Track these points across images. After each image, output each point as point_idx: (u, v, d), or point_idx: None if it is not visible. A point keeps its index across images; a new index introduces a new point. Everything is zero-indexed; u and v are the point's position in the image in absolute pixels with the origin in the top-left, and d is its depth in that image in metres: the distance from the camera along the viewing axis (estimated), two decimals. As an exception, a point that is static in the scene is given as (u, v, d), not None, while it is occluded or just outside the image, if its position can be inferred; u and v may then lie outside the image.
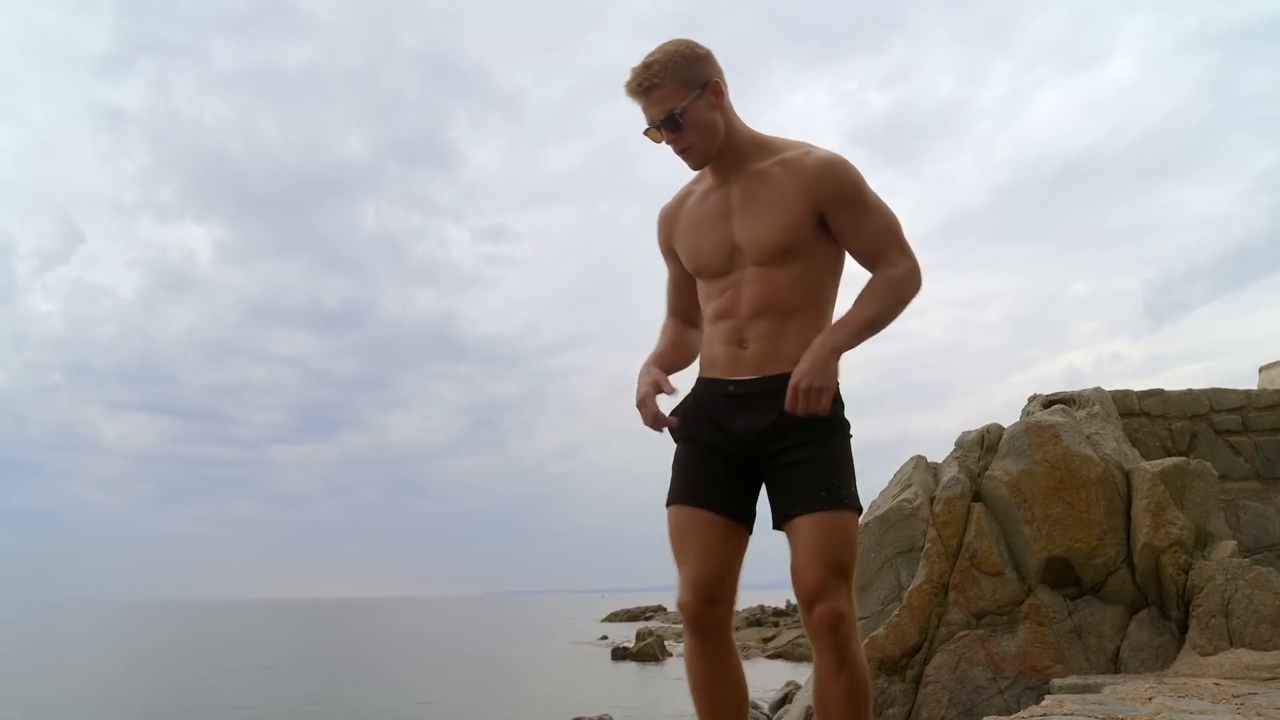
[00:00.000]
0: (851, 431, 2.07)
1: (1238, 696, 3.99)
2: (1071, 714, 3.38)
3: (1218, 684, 4.47)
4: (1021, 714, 3.89)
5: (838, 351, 1.96)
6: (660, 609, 45.81)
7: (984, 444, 5.93)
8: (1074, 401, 6.54)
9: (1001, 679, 5.06)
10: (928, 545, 5.45)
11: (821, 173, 2.01)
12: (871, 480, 6.47)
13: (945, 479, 5.73)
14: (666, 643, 25.47)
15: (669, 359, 2.22)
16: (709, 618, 2.06)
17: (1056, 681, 4.79)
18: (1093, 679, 4.78)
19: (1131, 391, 7.51)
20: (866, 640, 5.23)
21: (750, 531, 2.12)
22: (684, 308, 2.26)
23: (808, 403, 1.92)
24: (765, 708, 15.47)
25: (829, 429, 2.00)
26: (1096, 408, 6.33)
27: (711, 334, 2.13)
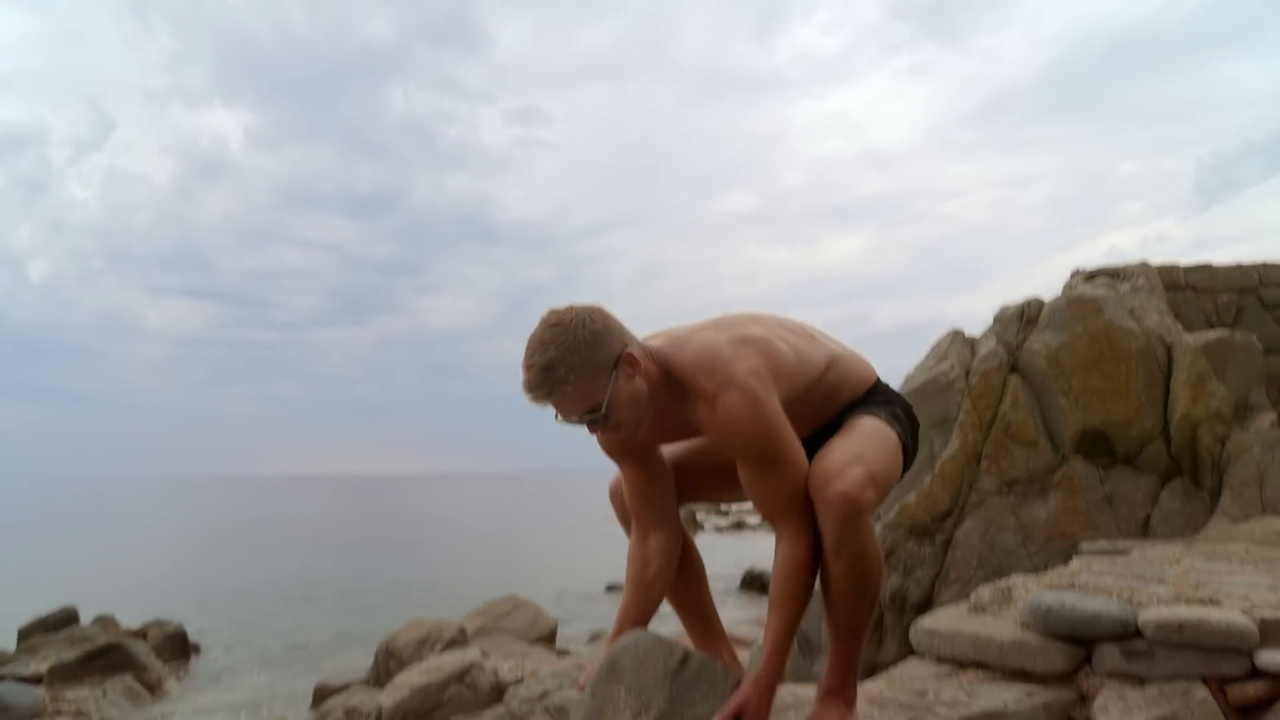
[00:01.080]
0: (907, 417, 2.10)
1: (1267, 560, 4.03)
2: (1100, 573, 3.44)
3: (1247, 549, 4.52)
4: (1050, 573, 3.97)
5: (772, 690, 1.88)
6: (692, 487, 46.90)
7: (1023, 317, 5.87)
8: (1119, 275, 6.42)
9: (1031, 544, 5.15)
10: (962, 416, 5.47)
11: (729, 433, 1.84)
12: (908, 359, 6.45)
13: (982, 351, 5.70)
14: (699, 516, 26.17)
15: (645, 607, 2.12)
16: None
17: (1085, 545, 4.87)
18: (1121, 544, 4.86)
19: (1178, 265, 7.34)
20: (897, 506, 5.34)
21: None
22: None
23: None
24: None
25: (875, 404, 2.07)
26: (1141, 281, 6.22)
27: None
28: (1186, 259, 7.50)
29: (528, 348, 1.76)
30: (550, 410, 1.79)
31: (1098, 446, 5.50)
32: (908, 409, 2.13)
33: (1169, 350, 5.70)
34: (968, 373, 5.75)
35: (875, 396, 2.14)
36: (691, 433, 2.01)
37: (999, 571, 4.84)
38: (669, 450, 2.13)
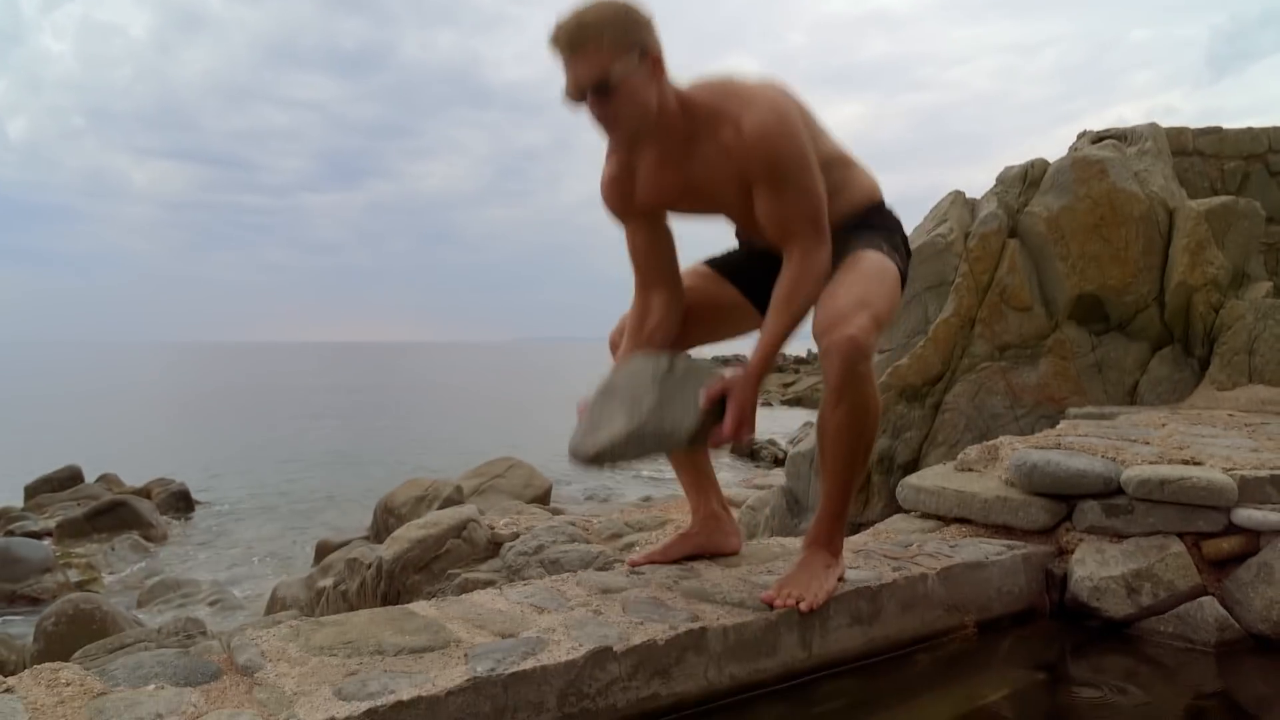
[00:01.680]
0: (906, 249, 2.16)
1: (1250, 425, 4.08)
2: (1085, 435, 3.48)
3: (1231, 414, 4.57)
4: (1036, 436, 4.02)
5: (759, 381, 1.89)
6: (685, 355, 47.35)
7: (1026, 179, 5.74)
8: (1126, 138, 6.24)
9: (1019, 407, 5.21)
10: (958, 280, 5.43)
11: (750, 148, 1.83)
12: (907, 229, 6.36)
13: (982, 214, 5.61)
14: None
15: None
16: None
17: (1072, 410, 4.92)
18: (1108, 409, 4.91)
19: (1187, 129, 7.15)
20: (890, 369, 5.36)
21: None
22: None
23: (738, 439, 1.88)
24: (782, 444, 16.29)
25: (872, 228, 2.11)
26: (1149, 144, 6.05)
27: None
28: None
29: (571, 8, 1.79)
30: (560, 83, 1.81)
31: (1092, 312, 5.49)
32: (905, 239, 2.17)
33: (1171, 215, 5.61)
34: (966, 235, 5.67)
35: (877, 219, 2.13)
36: (694, 193, 1.99)
37: (986, 434, 4.90)
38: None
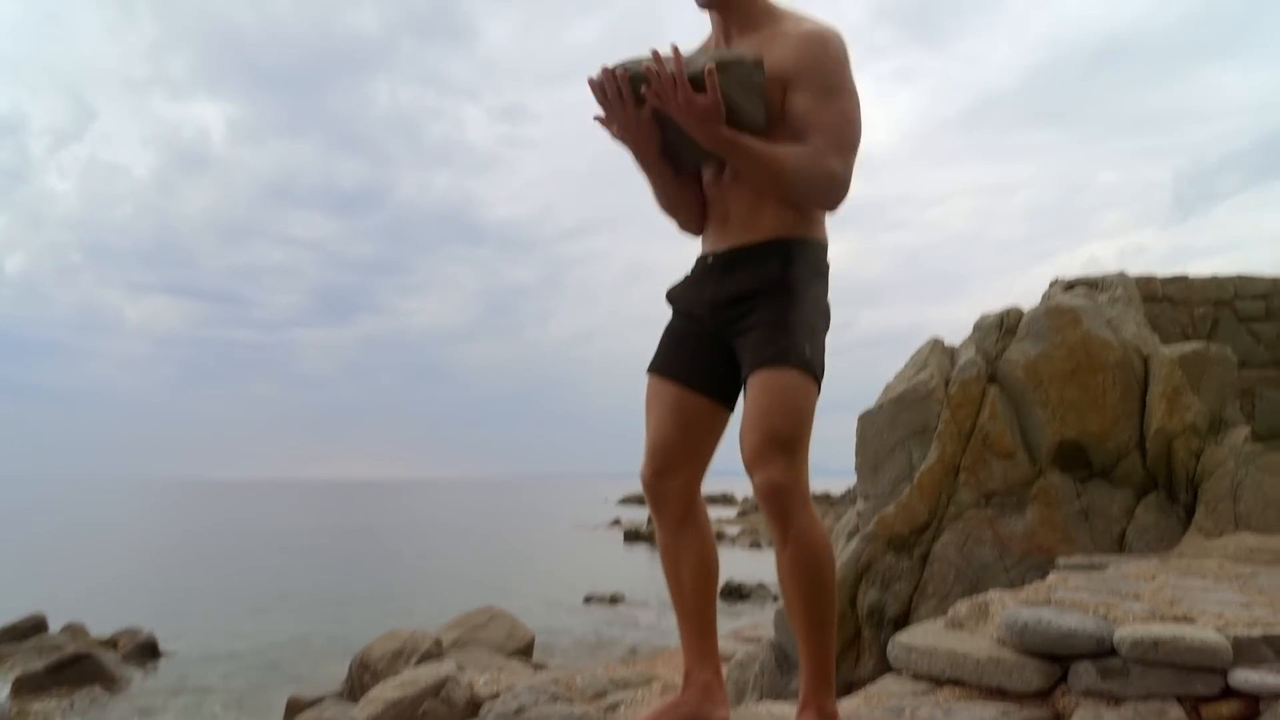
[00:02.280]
0: (825, 308, 1.98)
1: (1240, 576, 4.04)
2: (1076, 588, 3.43)
3: (1221, 564, 4.53)
4: (1026, 589, 3.95)
5: (732, 142, 1.82)
6: (672, 494, 46.86)
7: (1003, 326, 5.88)
8: (1097, 285, 6.45)
9: (1008, 557, 5.15)
10: (941, 426, 5.47)
11: (797, 47, 1.87)
12: (889, 367, 6.45)
13: (961, 361, 5.71)
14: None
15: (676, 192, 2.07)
16: (661, 490, 2.07)
17: (1062, 560, 4.87)
18: (1098, 558, 4.86)
19: (1155, 277, 7.40)
20: (876, 518, 5.32)
21: (729, 409, 2.10)
22: None
23: (666, 87, 1.76)
24: (772, 589, 15.92)
25: (786, 294, 1.91)
26: (1119, 291, 6.25)
27: (707, 207, 2.07)
28: (1164, 270, 7.56)
29: None
30: None
31: (1074, 459, 5.51)
32: (827, 310, 2.01)
33: (1146, 362, 5.73)
34: (947, 382, 5.75)
35: (808, 268, 1.96)
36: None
37: (976, 585, 4.83)
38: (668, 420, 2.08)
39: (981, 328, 5.95)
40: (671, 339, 2.13)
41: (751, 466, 1.83)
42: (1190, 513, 5.45)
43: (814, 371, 1.89)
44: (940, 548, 5.24)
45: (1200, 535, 5.32)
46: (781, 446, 1.82)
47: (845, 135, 1.86)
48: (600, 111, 1.89)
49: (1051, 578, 4.03)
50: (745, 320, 1.94)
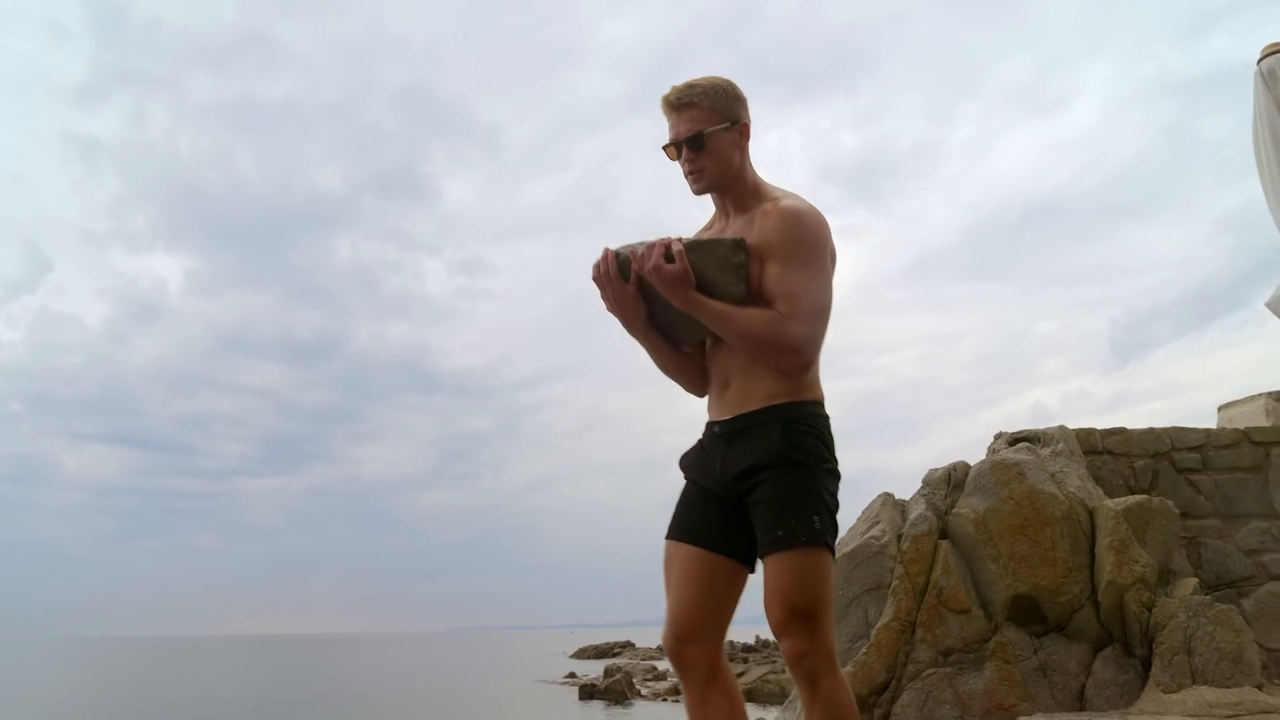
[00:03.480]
0: (829, 467, 2.10)
1: (1199, 734, 4.01)
2: (1037, 754, 3.38)
3: (1181, 722, 4.50)
4: (988, 754, 3.88)
5: (695, 301, 2.03)
6: (629, 644, 45.37)
7: (950, 481, 5.98)
8: (1038, 439, 6.61)
9: (969, 717, 5.05)
10: (895, 583, 5.46)
11: (774, 222, 2.06)
12: (843, 515, 6.49)
13: (912, 516, 5.76)
14: (635, 680, 25.18)
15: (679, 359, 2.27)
16: (686, 655, 2.13)
17: (1022, 719, 4.80)
18: (1059, 717, 4.80)
19: (1095, 430, 7.60)
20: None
21: (749, 568, 2.18)
22: None
23: (645, 264, 2.04)
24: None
25: (788, 466, 2.03)
26: (1060, 445, 6.41)
27: (709, 375, 2.23)
28: (1108, 415, 7.80)
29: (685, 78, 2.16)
30: (665, 131, 2.15)
31: (1029, 613, 5.51)
32: (834, 467, 2.13)
33: (1091, 515, 5.83)
34: (899, 537, 5.78)
35: (799, 433, 2.07)
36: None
37: (938, 749, 4.71)
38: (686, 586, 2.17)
39: (930, 482, 6.04)
40: (686, 504, 2.23)
41: (778, 635, 2.00)
42: (1147, 666, 5.43)
43: (825, 542, 2.03)
44: (900, 708, 5.13)
45: (1158, 690, 5.29)
46: (804, 617, 1.97)
47: (809, 303, 2.01)
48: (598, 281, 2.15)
49: (1013, 742, 3.96)
50: (754, 494, 2.07)
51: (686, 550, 2.17)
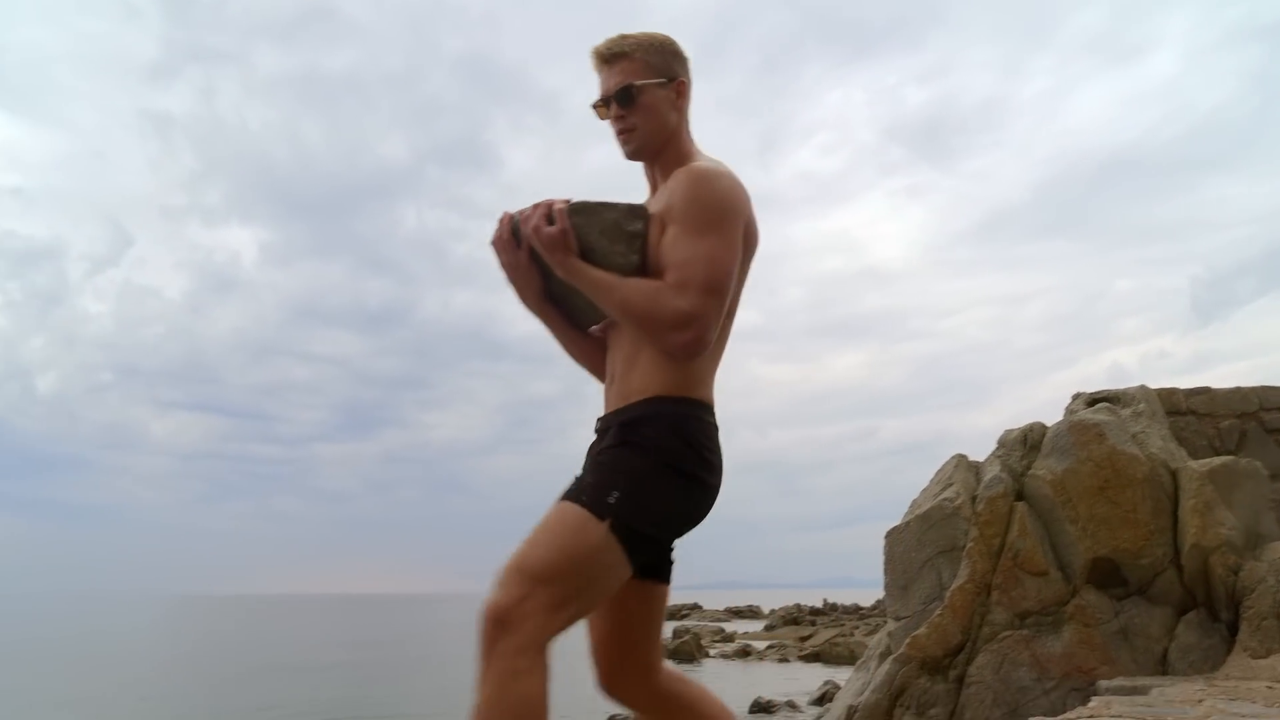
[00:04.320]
0: (677, 465, 1.70)
1: (1290, 699, 3.93)
2: (1119, 716, 3.35)
3: (1270, 686, 4.40)
4: (1069, 715, 3.86)
5: (573, 268, 1.78)
6: (696, 607, 45.81)
7: (1026, 442, 5.88)
8: (1118, 400, 6.45)
9: (1047, 680, 5.01)
10: (970, 545, 5.42)
11: (677, 184, 1.78)
12: (913, 476, 6.43)
13: (987, 478, 5.69)
14: (703, 641, 25.47)
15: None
16: (620, 695, 1.89)
17: (1103, 683, 4.74)
18: (1140, 681, 4.73)
19: (1178, 389, 7.38)
20: (908, 639, 5.22)
21: (655, 579, 1.85)
22: None
23: (527, 225, 1.79)
24: (802, 706, 15.46)
25: (619, 445, 1.72)
26: (1142, 406, 6.24)
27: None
28: (1188, 376, 7.55)
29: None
30: (596, 84, 1.87)
31: (1109, 576, 5.42)
32: (687, 469, 1.72)
33: (1174, 476, 5.68)
34: (974, 499, 5.72)
35: (657, 425, 1.73)
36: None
37: (1016, 711, 4.70)
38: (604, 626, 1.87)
39: (1005, 444, 5.95)
40: None
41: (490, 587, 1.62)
42: (1233, 630, 5.31)
43: (606, 516, 1.63)
44: (976, 670, 5.11)
45: (1246, 655, 5.17)
46: (523, 574, 1.59)
47: (701, 274, 1.69)
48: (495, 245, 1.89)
49: (1094, 703, 3.93)
50: None
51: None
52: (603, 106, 1.89)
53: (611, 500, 1.66)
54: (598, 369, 1.96)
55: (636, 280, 1.75)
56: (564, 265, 1.79)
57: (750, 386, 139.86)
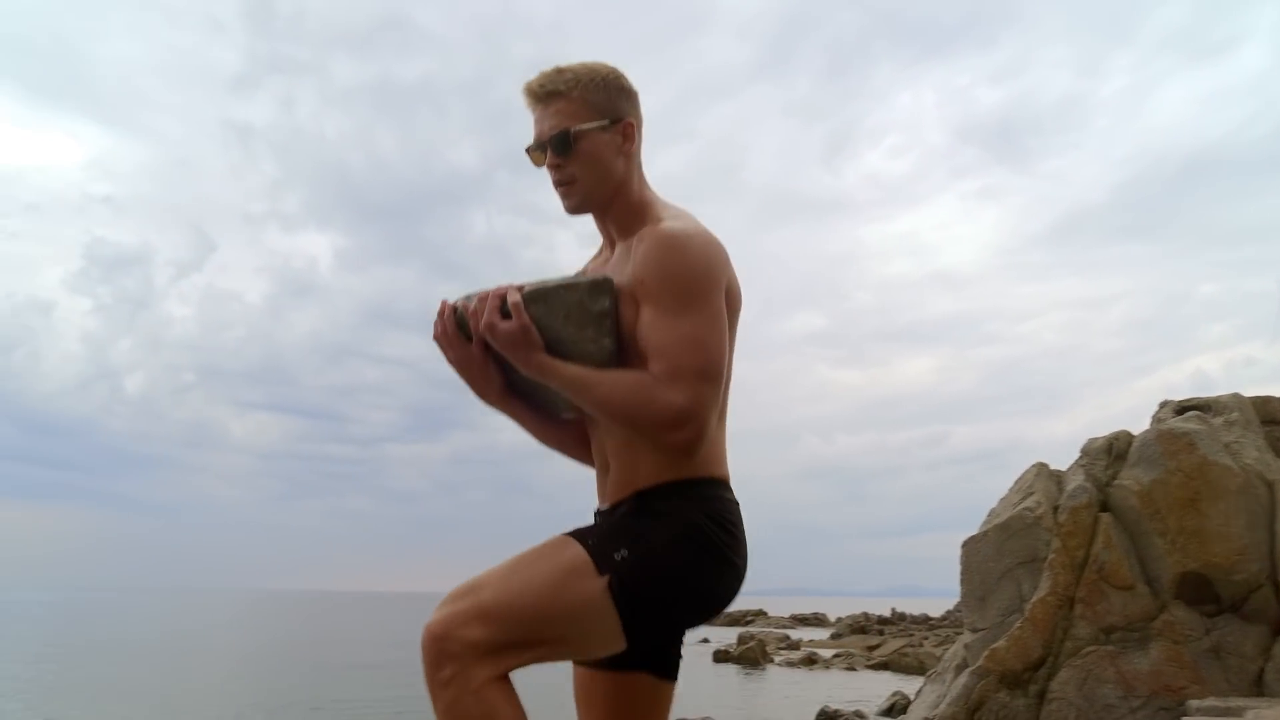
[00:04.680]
0: (700, 539, 1.51)
1: (1401, 727, 3.73)
2: (1215, 738, 3.21)
3: (1377, 712, 4.18)
4: (1158, 735, 3.72)
5: (541, 366, 1.53)
6: (761, 613, 45.49)
7: (1112, 452, 5.69)
8: (1210, 408, 6.19)
9: (1133, 698, 4.84)
10: (1052, 556, 5.26)
11: (646, 251, 1.53)
12: (985, 485, 6.29)
13: (1070, 487, 5.52)
14: (768, 648, 25.27)
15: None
16: None
17: (1194, 703, 4.56)
18: (1234, 702, 4.53)
19: (1274, 398, 7.05)
20: (986, 652, 5.09)
21: (664, 676, 1.66)
22: None
23: (480, 320, 1.53)
24: (870, 716, 15.23)
25: (639, 513, 1.55)
26: (1235, 415, 5.99)
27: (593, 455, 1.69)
28: (1278, 385, 7.20)
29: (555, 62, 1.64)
30: (529, 129, 1.61)
31: (1200, 592, 5.21)
32: (713, 543, 1.52)
33: (1270, 489, 5.44)
34: (1055, 509, 5.56)
35: (670, 498, 1.54)
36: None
37: (1100, 728, 4.55)
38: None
39: (1089, 453, 5.77)
40: None
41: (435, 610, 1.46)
42: (1334, 653, 5.06)
43: (603, 568, 1.45)
44: (1058, 685, 4.96)
45: (1348, 679, 4.92)
46: (476, 597, 1.42)
47: (691, 360, 1.47)
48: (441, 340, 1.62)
49: (1185, 725, 3.78)
50: None
51: (579, 675, 1.67)
52: (538, 153, 1.62)
53: (618, 557, 1.45)
54: (582, 455, 1.73)
55: (617, 374, 1.51)
56: (530, 364, 1.53)
57: (817, 391, 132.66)
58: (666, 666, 1.64)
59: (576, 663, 1.66)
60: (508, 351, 1.53)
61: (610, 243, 1.68)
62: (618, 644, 1.47)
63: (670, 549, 1.48)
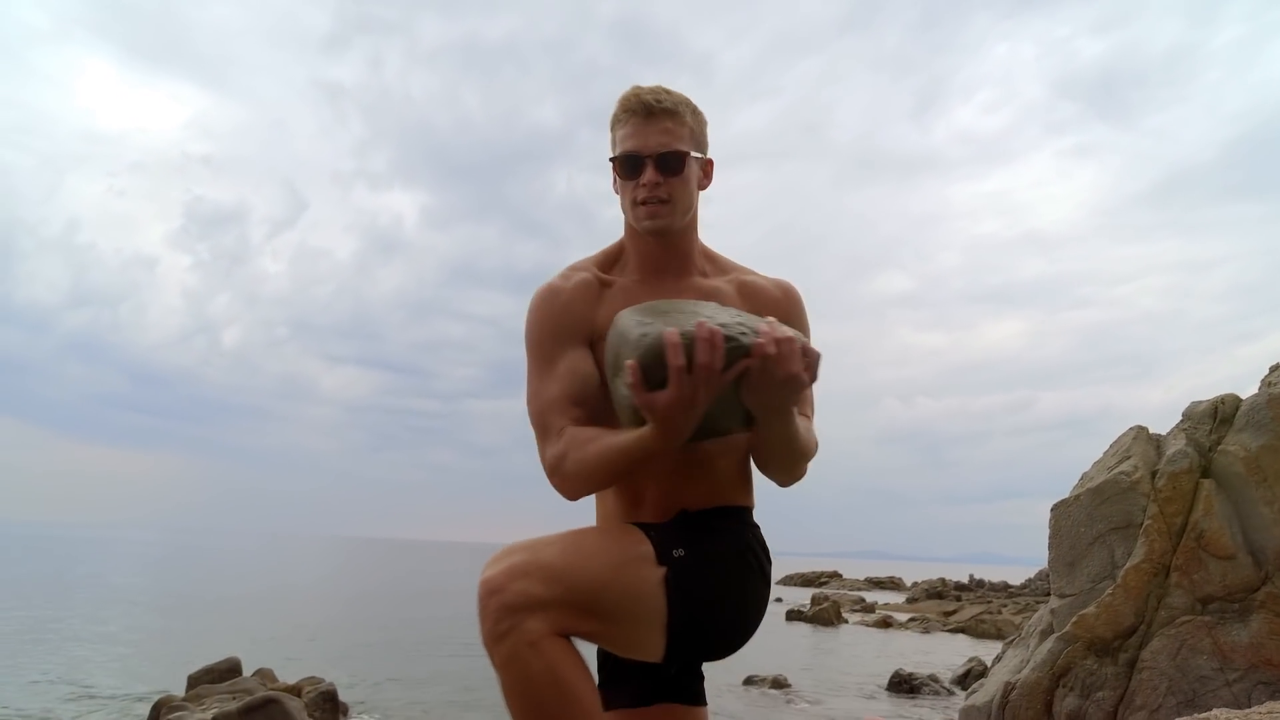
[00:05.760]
0: (730, 541, 1.56)
1: None
2: (1322, 714, 3.05)
3: None
4: (1257, 709, 3.57)
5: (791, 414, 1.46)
6: (836, 575, 45.32)
7: (1217, 416, 5.41)
8: (1326, 373, 5.84)
9: (1230, 670, 4.64)
10: (1148, 522, 5.05)
11: (791, 310, 1.60)
12: (1070, 454, 6.07)
13: (1170, 452, 5.28)
14: (842, 610, 25.18)
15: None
16: None
17: (1297, 678, 4.35)
18: (1342, 679, 4.31)
19: (1398, 364, 6.62)
20: (1075, 618, 4.94)
21: (692, 702, 1.65)
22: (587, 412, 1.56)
23: (785, 365, 1.36)
24: (945, 681, 15.09)
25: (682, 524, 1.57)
26: (1355, 380, 5.63)
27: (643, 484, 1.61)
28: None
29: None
30: (637, 140, 1.58)
31: (1308, 564, 4.95)
32: (757, 555, 1.56)
33: (1392, 460, 5.11)
34: (1153, 474, 5.33)
35: (725, 517, 1.57)
36: None
37: (1193, 701, 4.38)
38: None
39: (1192, 416, 5.50)
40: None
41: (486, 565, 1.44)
42: None
43: (662, 559, 1.47)
44: (1150, 654, 4.79)
45: None
46: (536, 559, 1.40)
47: (536, 412, 1.58)
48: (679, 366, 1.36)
49: (1288, 700, 3.61)
50: None
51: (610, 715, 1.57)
52: (629, 163, 1.56)
53: (676, 554, 1.46)
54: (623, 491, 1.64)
55: (803, 419, 1.53)
56: (790, 417, 1.46)
57: (899, 354, 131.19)
58: (694, 694, 1.65)
59: (606, 691, 1.57)
60: (792, 400, 1.43)
61: (654, 271, 1.63)
62: (657, 645, 1.44)
63: (723, 561, 1.51)
